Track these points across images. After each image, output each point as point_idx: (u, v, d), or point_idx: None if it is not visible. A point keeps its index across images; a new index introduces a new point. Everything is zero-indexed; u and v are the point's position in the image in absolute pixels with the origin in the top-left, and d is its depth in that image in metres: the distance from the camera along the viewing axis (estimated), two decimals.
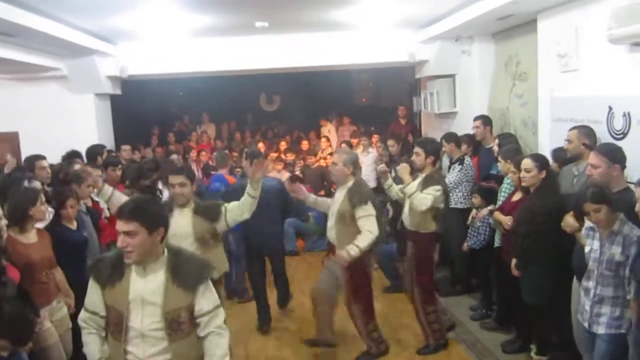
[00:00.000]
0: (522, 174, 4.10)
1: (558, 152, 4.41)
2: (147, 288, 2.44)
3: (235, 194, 4.27)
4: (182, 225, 3.74)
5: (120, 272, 2.47)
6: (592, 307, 3.17)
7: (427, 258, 4.49)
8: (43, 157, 5.16)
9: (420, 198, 4.28)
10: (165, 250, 2.52)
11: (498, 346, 4.64)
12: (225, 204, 3.92)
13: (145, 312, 2.43)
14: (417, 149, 4.51)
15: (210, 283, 2.56)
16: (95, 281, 2.52)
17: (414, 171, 4.55)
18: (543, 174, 4.03)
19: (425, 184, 4.34)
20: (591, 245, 3.20)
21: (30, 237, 3.55)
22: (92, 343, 2.56)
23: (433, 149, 4.45)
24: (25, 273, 3.32)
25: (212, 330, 2.51)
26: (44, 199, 3.66)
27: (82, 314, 2.61)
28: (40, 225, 3.71)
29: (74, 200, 4.02)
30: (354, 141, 9.12)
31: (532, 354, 4.30)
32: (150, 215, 2.43)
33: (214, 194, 5.58)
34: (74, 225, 4.07)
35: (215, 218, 3.85)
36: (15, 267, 3.23)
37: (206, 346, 2.51)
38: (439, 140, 5.56)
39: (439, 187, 4.32)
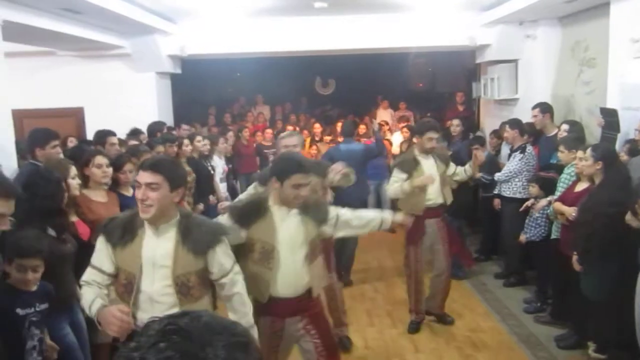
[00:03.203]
0: (580, 162, 4.09)
1: (631, 142, 4.23)
2: (158, 251, 2.42)
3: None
4: (294, 230, 2.94)
5: (132, 234, 2.45)
6: None
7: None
8: (114, 134, 5.19)
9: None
10: (178, 214, 2.51)
11: (552, 341, 4.51)
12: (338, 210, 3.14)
13: (156, 275, 2.41)
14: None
15: (226, 245, 2.55)
16: (106, 240, 2.49)
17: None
18: (599, 165, 3.90)
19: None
20: None
21: (100, 196, 3.78)
22: (88, 293, 2.46)
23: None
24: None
25: (237, 291, 2.57)
26: (106, 162, 3.81)
27: (86, 273, 2.53)
28: None
29: (131, 165, 4.08)
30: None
31: (590, 351, 4.14)
32: (176, 172, 2.46)
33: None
34: (129, 192, 4.09)
35: (323, 219, 3.04)
36: (87, 224, 3.42)
37: (233, 304, 2.60)
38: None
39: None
